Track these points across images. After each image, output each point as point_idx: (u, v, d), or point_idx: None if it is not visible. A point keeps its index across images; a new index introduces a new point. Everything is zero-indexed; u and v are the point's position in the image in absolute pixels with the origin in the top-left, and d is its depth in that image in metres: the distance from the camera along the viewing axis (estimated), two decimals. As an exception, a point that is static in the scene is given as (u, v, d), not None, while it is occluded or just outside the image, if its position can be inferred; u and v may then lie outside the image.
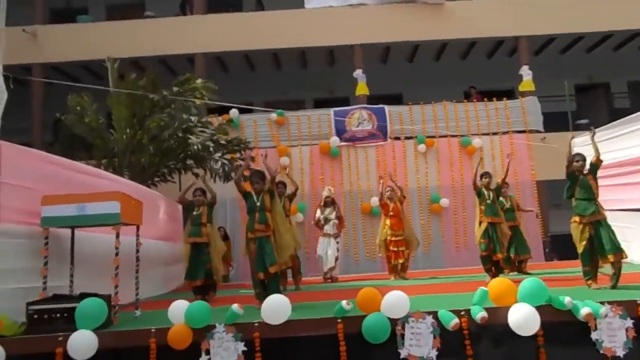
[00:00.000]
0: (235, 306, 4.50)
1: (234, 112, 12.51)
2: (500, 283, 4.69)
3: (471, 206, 10.10)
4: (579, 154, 6.00)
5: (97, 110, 10.00)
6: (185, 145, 9.94)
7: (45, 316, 4.51)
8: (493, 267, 7.21)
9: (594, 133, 6.23)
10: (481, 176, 7.39)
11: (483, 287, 4.65)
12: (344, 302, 4.46)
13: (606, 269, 5.86)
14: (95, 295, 4.64)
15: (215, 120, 11.58)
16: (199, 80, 10.14)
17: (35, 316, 4.52)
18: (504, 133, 12.68)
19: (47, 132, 13.15)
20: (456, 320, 4.37)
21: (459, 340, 4.40)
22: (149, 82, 9.48)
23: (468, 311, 4.49)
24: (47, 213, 4.89)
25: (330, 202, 9.10)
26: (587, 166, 6.02)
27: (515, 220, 8.35)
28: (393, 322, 4.42)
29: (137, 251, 5.65)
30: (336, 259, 8.99)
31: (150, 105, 9.48)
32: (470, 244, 10.55)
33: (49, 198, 4.93)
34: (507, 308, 4.44)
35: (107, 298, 4.81)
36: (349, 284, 8.21)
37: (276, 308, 4.48)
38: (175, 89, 9.57)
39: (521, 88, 13.21)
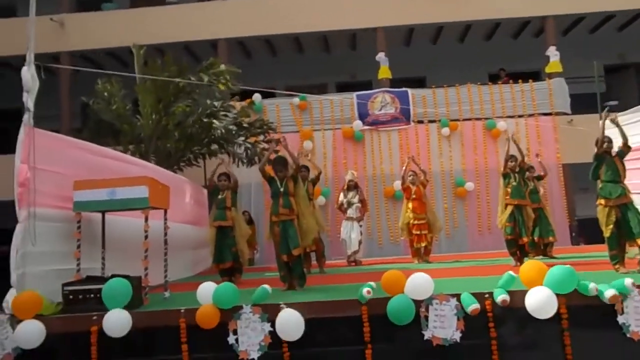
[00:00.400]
0: (266, 285, 4.65)
1: (257, 97, 12.57)
2: (532, 266, 4.63)
3: (495, 190, 9.97)
4: (606, 137, 5.90)
5: (124, 97, 10.17)
6: (209, 130, 10.04)
7: (80, 296, 4.71)
8: (518, 251, 7.18)
9: (616, 117, 6.07)
10: (506, 161, 7.31)
11: (510, 272, 4.62)
12: (364, 291, 4.47)
13: (632, 252, 5.78)
14: (126, 276, 4.79)
15: (238, 105, 11.66)
16: (222, 65, 10.20)
17: (71, 296, 4.72)
18: (530, 115, 12.47)
19: (76, 119, 13.43)
20: (476, 305, 4.36)
21: (483, 323, 4.42)
22: (173, 66, 9.50)
23: (492, 294, 4.49)
24: (79, 198, 5.05)
25: (353, 186, 9.14)
26: (615, 149, 5.91)
27: (540, 203, 8.27)
28: (417, 304, 4.45)
29: (165, 234, 5.79)
30: (360, 242, 9.05)
31: (175, 91, 9.59)
32: (494, 227, 10.45)
33: (80, 183, 5.08)
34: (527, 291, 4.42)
35: (137, 280, 4.97)
36: (373, 267, 8.28)
37: (290, 326, 4.42)
38: (202, 75, 9.61)
39: (548, 69, 12.90)
